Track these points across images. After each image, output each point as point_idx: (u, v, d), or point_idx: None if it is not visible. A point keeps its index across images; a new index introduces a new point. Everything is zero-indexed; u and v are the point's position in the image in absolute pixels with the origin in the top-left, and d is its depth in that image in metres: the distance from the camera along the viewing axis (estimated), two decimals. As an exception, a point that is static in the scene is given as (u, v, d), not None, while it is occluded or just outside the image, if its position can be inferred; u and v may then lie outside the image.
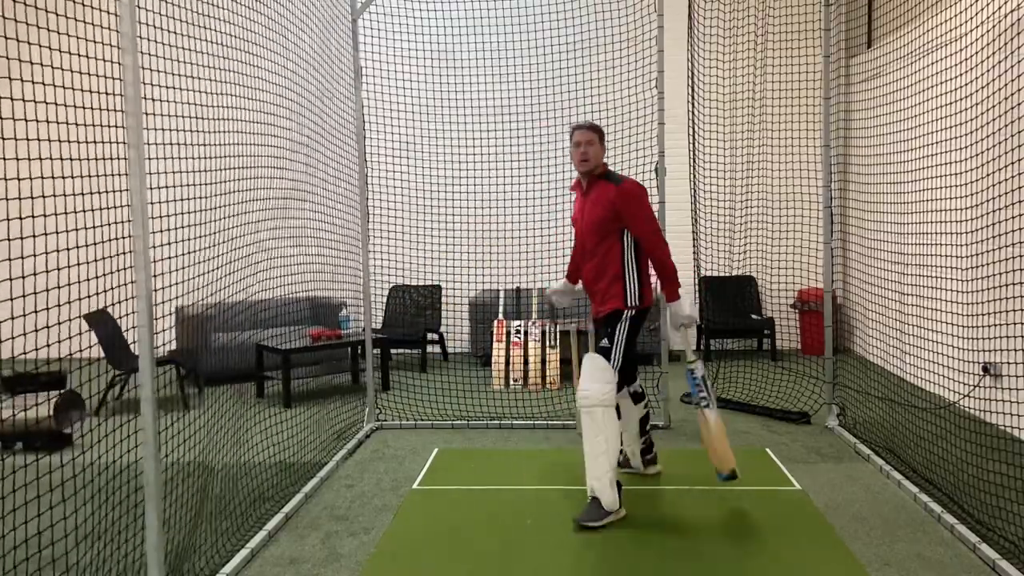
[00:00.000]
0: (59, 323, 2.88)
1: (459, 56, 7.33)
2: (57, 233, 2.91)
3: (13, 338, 2.79)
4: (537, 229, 7.26)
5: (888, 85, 6.19)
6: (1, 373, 4.48)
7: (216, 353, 6.91)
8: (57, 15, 2.83)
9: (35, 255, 2.83)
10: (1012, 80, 4.63)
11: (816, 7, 7.16)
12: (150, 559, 2.85)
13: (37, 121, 2.91)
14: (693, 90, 6.36)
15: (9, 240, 2.80)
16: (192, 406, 6.17)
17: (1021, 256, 3.86)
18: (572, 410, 5.88)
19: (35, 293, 2.79)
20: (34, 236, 2.74)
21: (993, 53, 4.89)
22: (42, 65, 2.80)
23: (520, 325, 7.24)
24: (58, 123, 2.95)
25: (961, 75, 4.82)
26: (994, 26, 4.98)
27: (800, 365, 7.43)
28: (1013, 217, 4.08)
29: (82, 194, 2.99)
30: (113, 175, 3.06)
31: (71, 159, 2.99)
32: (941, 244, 5.44)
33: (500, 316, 7.74)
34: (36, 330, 2.81)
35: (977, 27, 5.00)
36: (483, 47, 7.39)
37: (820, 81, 5.79)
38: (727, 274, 8.01)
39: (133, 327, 2.84)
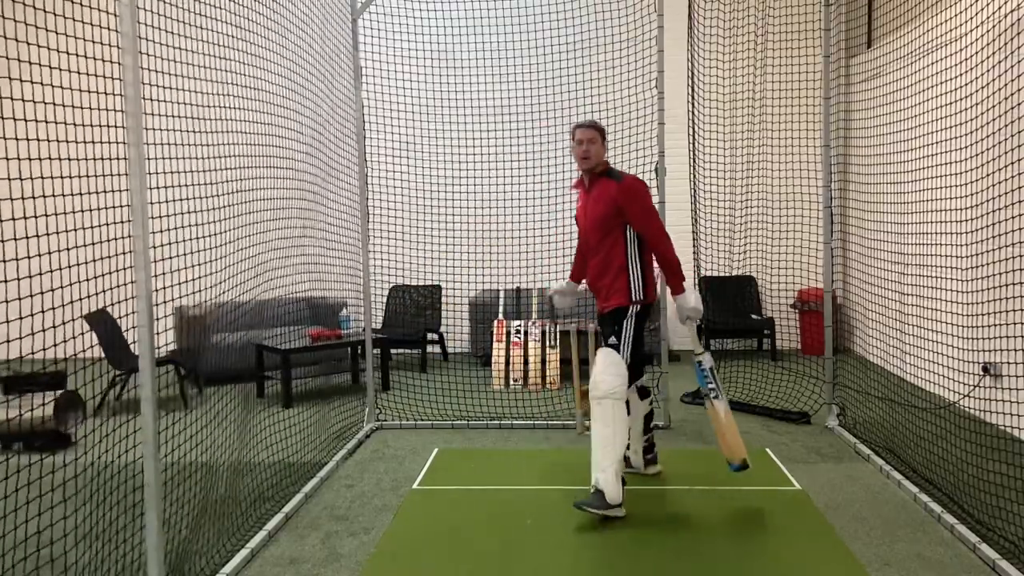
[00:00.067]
0: (61, 324, 2.88)
1: (459, 56, 7.32)
2: (59, 232, 2.91)
3: (9, 341, 2.79)
4: (537, 229, 7.25)
5: (888, 85, 6.19)
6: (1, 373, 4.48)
7: (216, 353, 6.91)
8: (56, 15, 2.83)
9: (37, 255, 2.83)
10: (1012, 80, 4.62)
11: (816, 7, 7.15)
12: (150, 559, 2.85)
13: (36, 121, 2.91)
14: (693, 90, 6.36)
15: (3, 241, 2.80)
16: (192, 407, 6.17)
17: (1021, 256, 3.86)
18: (572, 410, 5.88)
19: (32, 295, 2.79)
20: (38, 236, 2.74)
21: (993, 53, 4.89)
22: (40, 65, 2.80)
23: (520, 325, 7.24)
24: (56, 123, 2.95)
25: (961, 75, 4.82)
26: (994, 26, 4.98)
27: (800, 365, 7.43)
28: (1013, 217, 4.08)
29: (82, 194, 2.99)
30: (113, 175, 3.06)
31: (71, 159, 2.99)
32: (941, 244, 5.44)
33: (500, 316, 7.74)
34: (33, 333, 2.81)
35: (977, 27, 5.00)
36: (483, 47, 7.39)
37: (820, 81, 5.79)
38: (727, 274, 8.01)
39: (133, 327, 2.84)
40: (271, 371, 6.64)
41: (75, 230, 2.96)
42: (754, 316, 8.37)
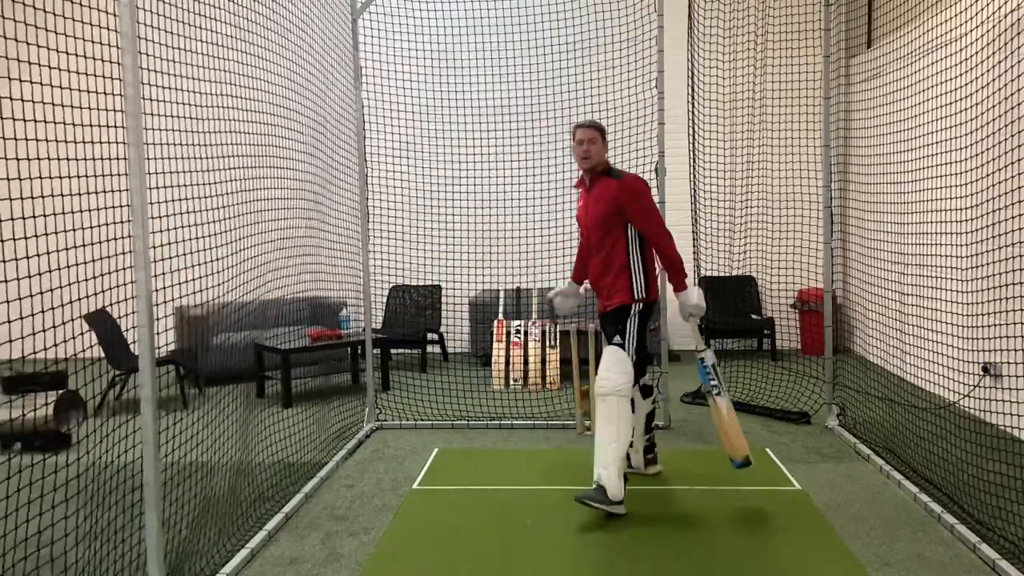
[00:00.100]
0: (61, 324, 2.88)
1: (459, 56, 7.33)
2: (59, 232, 2.91)
3: (11, 341, 2.79)
4: (537, 229, 7.26)
5: (888, 85, 6.19)
6: (1, 373, 4.48)
7: (216, 353, 6.91)
8: (56, 15, 2.83)
9: (36, 255, 2.83)
10: (1012, 80, 4.62)
11: (816, 7, 7.15)
12: (150, 559, 2.86)
13: (35, 121, 2.91)
14: (693, 90, 6.36)
15: (3, 241, 2.80)
16: (193, 407, 6.17)
17: (1021, 256, 3.86)
18: (572, 410, 5.88)
19: (31, 296, 2.79)
20: (37, 236, 2.74)
21: (993, 53, 4.89)
22: (40, 65, 2.80)
23: (520, 325, 7.24)
24: (55, 123, 2.95)
25: (961, 75, 4.82)
26: (994, 26, 4.98)
27: (800, 365, 7.43)
28: (1013, 217, 4.08)
29: (82, 194, 2.99)
30: (113, 175, 3.06)
31: (71, 159, 2.99)
32: (941, 244, 5.44)
33: (500, 316, 7.74)
34: (34, 333, 2.81)
35: (977, 27, 5.00)
36: (483, 47, 7.39)
37: (820, 81, 5.79)
38: (727, 274, 8.01)
39: (133, 327, 2.84)
40: (271, 371, 6.64)
41: (75, 230, 2.96)
42: (754, 316, 8.37)
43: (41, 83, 2.82)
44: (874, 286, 6.18)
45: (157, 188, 3.32)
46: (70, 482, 3.05)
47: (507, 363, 7.08)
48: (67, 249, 2.81)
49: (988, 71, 4.89)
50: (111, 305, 3.16)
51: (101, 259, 2.98)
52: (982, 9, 5.02)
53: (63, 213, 2.99)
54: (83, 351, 3.31)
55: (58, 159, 2.97)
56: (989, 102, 4.84)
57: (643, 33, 6.07)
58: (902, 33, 6.31)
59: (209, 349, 6.95)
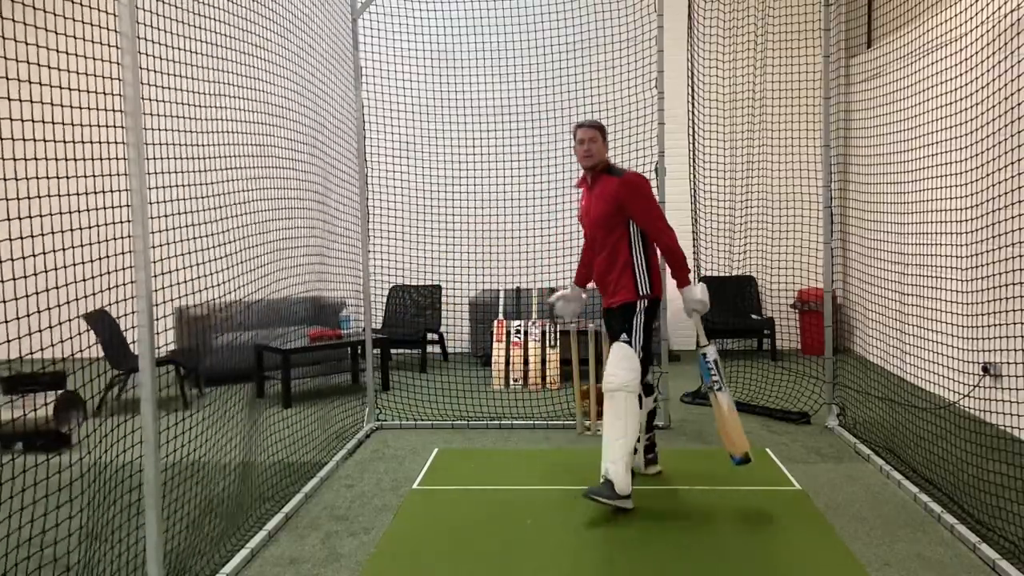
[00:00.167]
0: (58, 324, 2.88)
1: (459, 56, 7.33)
2: (57, 233, 2.91)
3: (10, 341, 2.79)
4: (537, 229, 7.26)
5: (888, 85, 6.19)
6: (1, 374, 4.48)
7: (216, 353, 6.91)
8: (55, 15, 2.83)
9: (31, 255, 2.83)
10: (1012, 80, 4.62)
11: (816, 7, 7.16)
12: (150, 559, 2.85)
13: (33, 121, 2.91)
14: (693, 90, 6.36)
15: (11, 240, 2.80)
16: (196, 408, 6.17)
17: (1021, 256, 3.85)
18: (572, 410, 5.88)
19: (28, 295, 2.79)
20: (32, 236, 2.74)
21: (993, 53, 4.89)
22: (40, 66, 2.80)
23: (520, 325, 7.24)
24: (54, 124, 2.95)
25: (961, 75, 4.82)
26: (994, 26, 4.98)
27: (800, 365, 7.43)
28: (1013, 217, 4.08)
29: (82, 194, 2.99)
30: (113, 175, 3.06)
31: (71, 159, 2.99)
32: (941, 244, 5.44)
33: (500, 316, 7.74)
34: (31, 332, 2.81)
35: (977, 27, 5.00)
36: (483, 47, 7.39)
37: (820, 81, 5.79)
38: (727, 274, 8.01)
39: (133, 327, 2.84)
40: (271, 371, 6.64)
41: (75, 230, 2.96)
42: (754, 316, 8.37)
43: (40, 83, 2.82)
44: (874, 286, 6.18)
45: (157, 188, 3.33)
46: (73, 483, 3.06)
47: (507, 363, 7.08)
48: (66, 249, 2.81)
49: (988, 71, 4.89)
50: (110, 305, 3.17)
51: (101, 259, 2.98)
52: (982, 9, 5.02)
53: (63, 213, 2.99)
54: (80, 351, 3.31)
55: (56, 159, 2.97)
56: (989, 102, 4.84)
57: (643, 33, 6.07)
58: (902, 33, 6.31)
59: (209, 349, 6.96)
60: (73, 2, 2.92)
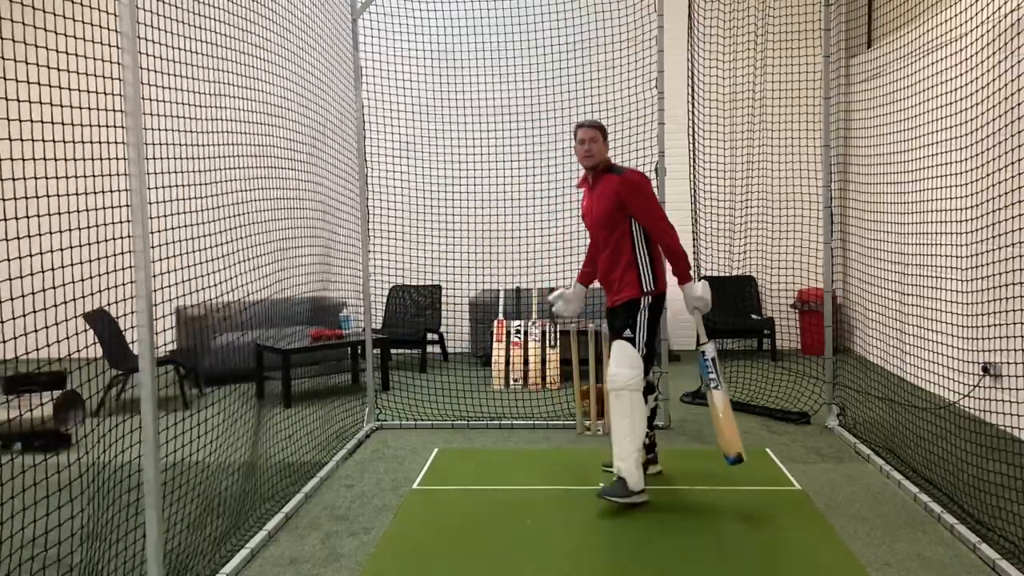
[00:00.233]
0: (59, 323, 2.88)
1: (459, 56, 7.33)
2: (55, 233, 2.91)
3: (16, 338, 2.79)
4: (537, 229, 7.26)
5: (888, 85, 6.19)
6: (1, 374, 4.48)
7: (216, 353, 6.91)
8: (55, 15, 2.83)
9: (28, 255, 2.83)
10: (1012, 80, 4.62)
11: (816, 7, 7.16)
12: (150, 559, 2.85)
13: (32, 121, 2.91)
14: (693, 90, 6.36)
15: (8, 240, 2.80)
16: (195, 408, 6.17)
17: (1021, 256, 3.85)
18: (572, 410, 5.88)
19: (30, 293, 2.79)
20: (28, 236, 2.74)
21: (993, 53, 4.89)
22: (40, 66, 2.80)
23: (520, 325, 7.24)
24: (54, 123, 2.95)
25: (961, 75, 4.82)
26: (994, 26, 4.98)
27: (800, 365, 7.43)
28: (1013, 217, 4.08)
29: (82, 194, 2.99)
30: (113, 175, 3.06)
31: (71, 159, 2.99)
32: (941, 244, 5.44)
33: (500, 316, 7.74)
34: (32, 331, 2.81)
35: (977, 27, 5.00)
36: (483, 47, 7.40)
37: (820, 81, 5.79)
38: (727, 274, 8.01)
39: (132, 327, 2.84)
40: (271, 371, 6.64)
41: (75, 230, 2.96)
42: (754, 316, 8.37)
43: (39, 83, 2.82)
44: (874, 286, 6.18)
45: (157, 188, 3.33)
46: (72, 482, 3.06)
47: (507, 363, 7.08)
48: (65, 249, 2.81)
49: (988, 71, 4.89)
50: (109, 305, 3.17)
51: (101, 259, 2.98)
52: (982, 9, 5.02)
53: (63, 213, 3.00)
54: (79, 351, 3.31)
55: (56, 159, 2.97)
56: (989, 102, 4.84)
57: (643, 33, 6.07)
58: (902, 33, 6.31)
59: (209, 349, 6.96)
60: (73, 2, 2.92)
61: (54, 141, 2.86)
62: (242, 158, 3.95)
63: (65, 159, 2.97)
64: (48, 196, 2.80)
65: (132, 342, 5.47)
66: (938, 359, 5.12)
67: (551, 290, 7.17)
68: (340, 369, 7.33)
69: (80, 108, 2.95)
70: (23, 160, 2.89)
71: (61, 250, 2.87)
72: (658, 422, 5.46)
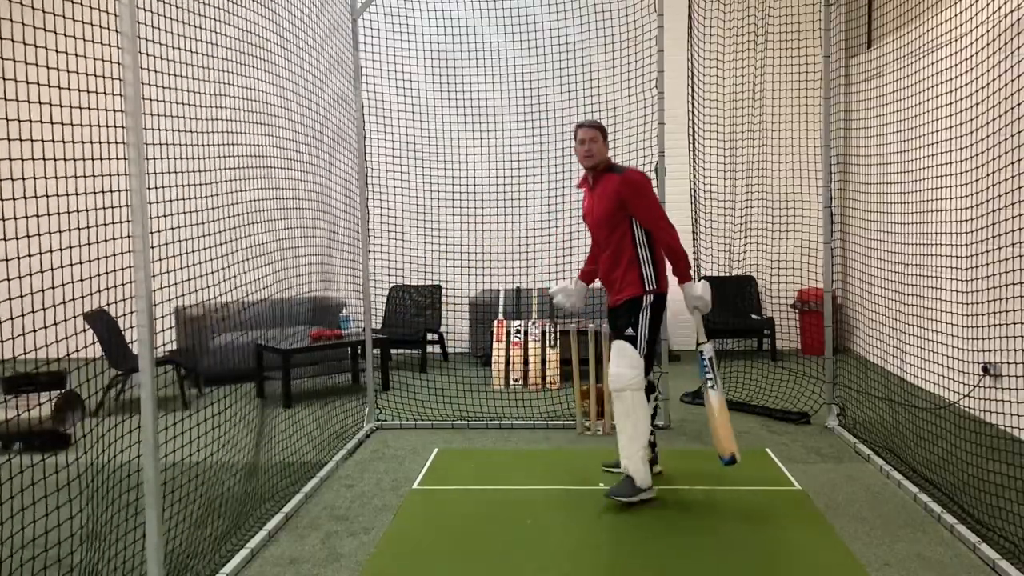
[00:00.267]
0: (58, 323, 2.88)
1: (459, 56, 7.33)
2: (54, 232, 2.91)
3: (13, 338, 2.79)
4: (537, 229, 7.26)
5: (888, 85, 6.19)
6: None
7: (216, 353, 6.91)
8: (55, 15, 2.83)
9: (26, 256, 2.83)
10: (1012, 80, 4.62)
11: (816, 7, 7.16)
12: (150, 559, 2.85)
13: (31, 121, 2.91)
14: (693, 90, 6.36)
15: (6, 240, 2.80)
16: (195, 408, 6.17)
17: (1021, 256, 3.85)
18: (572, 410, 5.88)
19: (30, 293, 2.79)
20: (38, 235, 2.74)
21: (993, 53, 4.89)
22: (39, 66, 2.80)
23: (520, 325, 7.24)
24: (52, 123, 2.95)
25: (961, 75, 4.82)
26: (994, 26, 4.98)
27: (800, 365, 7.43)
28: (1013, 217, 4.08)
29: (82, 194, 2.99)
30: (113, 175, 3.06)
31: (71, 159, 2.99)
32: (941, 244, 5.44)
33: (500, 316, 7.74)
34: (32, 331, 2.81)
35: (977, 27, 5.00)
36: (483, 47, 7.40)
37: (820, 81, 5.79)
38: (727, 274, 8.01)
39: (132, 327, 2.84)
40: (271, 371, 6.64)
41: (75, 230, 2.96)
42: (754, 316, 8.37)
43: (39, 83, 2.82)
44: (874, 286, 6.18)
45: (157, 188, 3.33)
46: (72, 482, 3.06)
47: (507, 363, 7.08)
48: (64, 249, 2.81)
49: (988, 71, 4.89)
50: (109, 305, 3.17)
51: (100, 259, 2.98)
52: (982, 9, 5.02)
53: (63, 212, 3.00)
54: (79, 351, 3.31)
55: (56, 159, 2.97)
56: (989, 102, 4.84)
57: (643, 33, 6.07)
58: (902, 33, 6.31)
59: (209, 349, 6.95)
60: (73, 2, 2.92)
61: (54, 141, 2.86)
62: (242, 158, 3.95)
63: (65, 159, 2.98)
64: (48, 196, 2.80)
65: (132, 342, 5.47)
66: (938, 359, 5.12)
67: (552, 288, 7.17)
68: (340, 369, 7.33)
69: (80, 108, 2.95)
70: (23, 160, 2.89)
71: (61, 250, 2.88)
72: (658, 422, 5.46)
